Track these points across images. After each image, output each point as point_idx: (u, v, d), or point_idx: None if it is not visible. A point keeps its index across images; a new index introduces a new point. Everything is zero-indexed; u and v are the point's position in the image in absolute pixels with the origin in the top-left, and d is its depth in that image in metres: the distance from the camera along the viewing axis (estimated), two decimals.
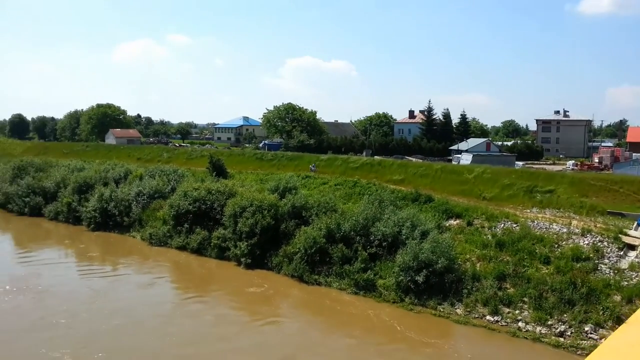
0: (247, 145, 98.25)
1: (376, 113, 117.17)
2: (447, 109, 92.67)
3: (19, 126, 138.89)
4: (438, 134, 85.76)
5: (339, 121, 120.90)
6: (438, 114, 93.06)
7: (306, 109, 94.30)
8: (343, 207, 38.13)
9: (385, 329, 26.05)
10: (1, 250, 41.49)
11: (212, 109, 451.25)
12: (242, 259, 35.77)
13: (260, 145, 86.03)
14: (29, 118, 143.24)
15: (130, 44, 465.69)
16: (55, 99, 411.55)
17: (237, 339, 24.78)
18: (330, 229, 33.62)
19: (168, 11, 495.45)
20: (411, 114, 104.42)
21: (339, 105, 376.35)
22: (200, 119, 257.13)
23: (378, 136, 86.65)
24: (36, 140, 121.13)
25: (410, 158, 64.13)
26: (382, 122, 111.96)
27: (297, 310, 29.93)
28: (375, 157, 61.16)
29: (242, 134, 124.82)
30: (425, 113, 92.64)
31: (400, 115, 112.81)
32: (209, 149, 77.45)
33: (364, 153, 68.78)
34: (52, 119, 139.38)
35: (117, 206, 46.84)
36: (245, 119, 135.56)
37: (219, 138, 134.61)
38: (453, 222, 35.08)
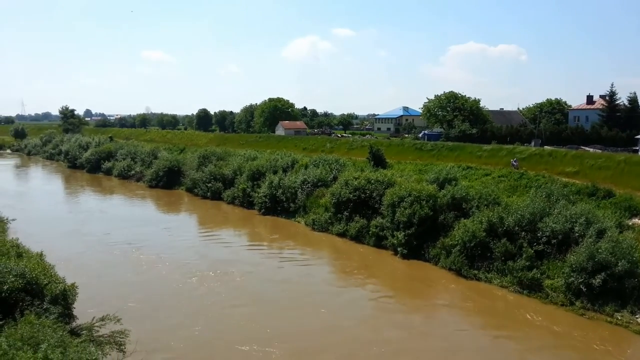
0: (406, 135, 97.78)
1: (547, 99, 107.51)
2: (634, 93, 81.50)
3: (203, 119, 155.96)
4: (622, 122, 75.89)
5: (505, 109, 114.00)
6: (622, 99, 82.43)
7: (469, 97, 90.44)
8: (507, 200, 36.23)
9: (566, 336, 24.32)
10: (191, 231, 47.36)
11: (372, 100, 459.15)
12: (399, 249, 36.10)
13: (420, 135, 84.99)
14: (211, 112, 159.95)
15: (299, 40, 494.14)
16: (233, 95, 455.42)
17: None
18: (492, 222, 32.27)
19: (333, 5, 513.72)
20: (589, 99, 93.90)
21: (505, 92, 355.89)
22: (361, 110, 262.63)
23: (549, 124, 79.40)
24: (217, 132, 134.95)
25: (587, 148, 57.95)
26: (554, 109, 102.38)
27: (488, 318, 27.09)
28: (546, 147, 56.54)
29: (401, 124, 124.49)
30: (607, 98, 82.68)
31: (576, 101, 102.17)
32: (369, 139, 78.93)
33: (532, 143, 63.93)
34: (231, 112, 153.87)
35: (285, 193, 50.51)
36: (405, 109, 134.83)
37: (378, 128, 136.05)
38: (638, 220, 31.18)
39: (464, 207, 36.49)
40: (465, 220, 34.23)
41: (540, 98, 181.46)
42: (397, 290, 31.78)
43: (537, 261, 29.75)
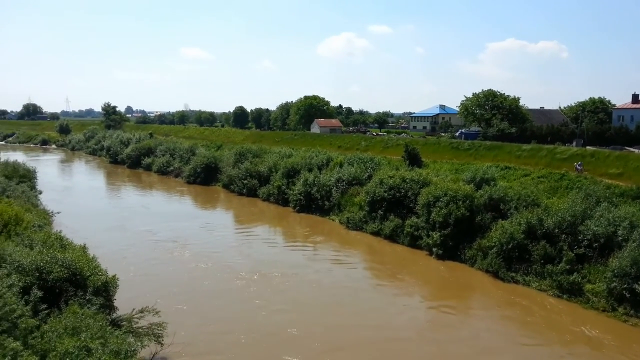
0: (442, 134, 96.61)
1: (590, 98, 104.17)
2: None
3: (240, 117, 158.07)
4: None
5: (545, 108, 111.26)
6: None
7: (508, 95, 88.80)
8: (547, 202, 35.37)
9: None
10: (230, 228, 48.08)
11: (408, 98, 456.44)
12: (434, 249, 35.74)
13: (457, 134, 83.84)
14: (248, 110, 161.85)
15: (334, 37, 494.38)
16: (269, 92, 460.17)
17: None
18: (530, 224, 31.60)
19: (370, 2, 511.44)
20: (635, 98, 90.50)
21: (546, 90, 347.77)
22: (397, 108, 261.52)
23: (592, 124, 76.83)
24: (253, 129, 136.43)
25: (632, 149, 55.94)
26: (597, 108, 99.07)
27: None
28: (588, 147, 54.86)
29: (437, 123, 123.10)
30: None
31: (620, 100, 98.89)
32: (404, 137, 78.30)
33: (574, 143, 62.13)
34: (267, 110, 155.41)
35: (319, 191, 50.69)
36: (442, 107, 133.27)
37: (414, 127, 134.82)
38: None
39: (501, 208, 35.85)
40: (503, 222, 33.64)
41: (583, 96, 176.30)
42: (442, 294, 30.97)
43: (578, 265, 28.98)
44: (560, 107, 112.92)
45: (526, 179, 44.26)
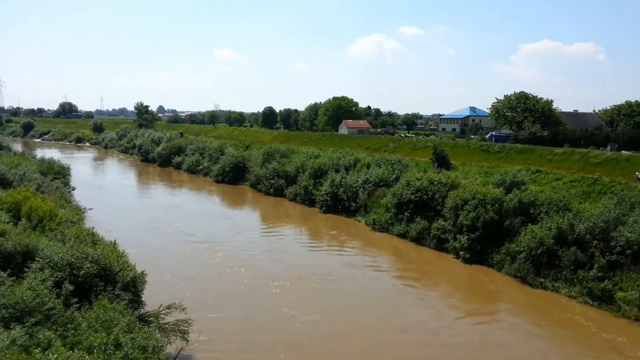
0: (472, 136, 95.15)
1: (627, 101, 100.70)
2: None
3: (269, 117, 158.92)
4: None
5: (579, 111, 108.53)
6: None
7: (540, 98, 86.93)
8: (578, 207, 34.62)
9: None
10: (257, 228, 48.51)
11: (438, 99, 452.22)
12: (461, 253, 35.35)
13: (487, 136, 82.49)
14: (277, 110, 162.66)
15: (364, 39, 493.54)
16: (299, 93, 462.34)
17: None
18: (561, 229, 30.98)
19: (401, 3, 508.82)
20: None
21: (580, 93, 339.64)
22: (426, 110, 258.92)
23: (627, 127, 74.45)
24: (282, 129, 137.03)
25: None
26: (633, 112, 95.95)
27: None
28: (623, 151, 53.27)
29: (467, 125, 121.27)
30: None
31: None
32: (433, 139, 77.48)
33: (609, 147, 60.44)
34: (295, 111, 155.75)
35: (346, 192, 50.68)
36: (472, 109, 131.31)
37: (443, 129, 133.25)
38: None
39: (531, 212, 35.22)
40: (532, 226, 33.03)
41: (619, 99, 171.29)
42: (472, 298, 30.43)
43: (610, 272, 28.28)
44: (594, 111, 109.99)
45: (558, 183, 43.36)
